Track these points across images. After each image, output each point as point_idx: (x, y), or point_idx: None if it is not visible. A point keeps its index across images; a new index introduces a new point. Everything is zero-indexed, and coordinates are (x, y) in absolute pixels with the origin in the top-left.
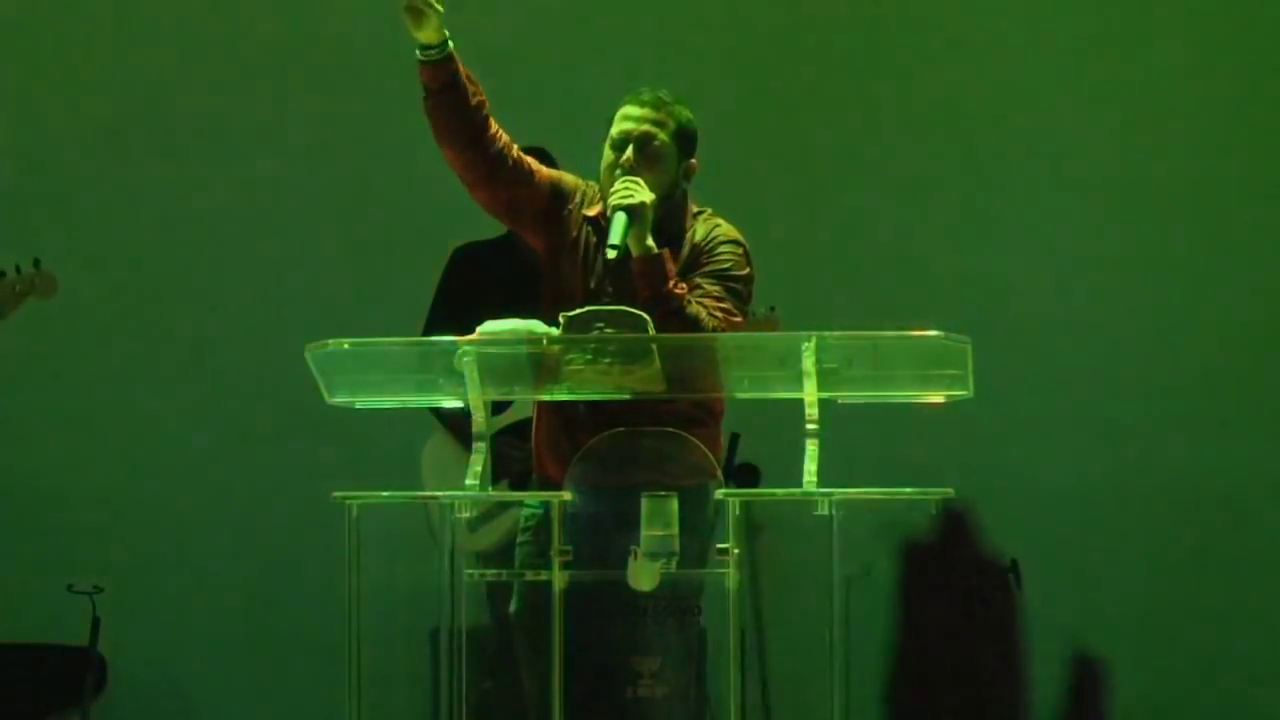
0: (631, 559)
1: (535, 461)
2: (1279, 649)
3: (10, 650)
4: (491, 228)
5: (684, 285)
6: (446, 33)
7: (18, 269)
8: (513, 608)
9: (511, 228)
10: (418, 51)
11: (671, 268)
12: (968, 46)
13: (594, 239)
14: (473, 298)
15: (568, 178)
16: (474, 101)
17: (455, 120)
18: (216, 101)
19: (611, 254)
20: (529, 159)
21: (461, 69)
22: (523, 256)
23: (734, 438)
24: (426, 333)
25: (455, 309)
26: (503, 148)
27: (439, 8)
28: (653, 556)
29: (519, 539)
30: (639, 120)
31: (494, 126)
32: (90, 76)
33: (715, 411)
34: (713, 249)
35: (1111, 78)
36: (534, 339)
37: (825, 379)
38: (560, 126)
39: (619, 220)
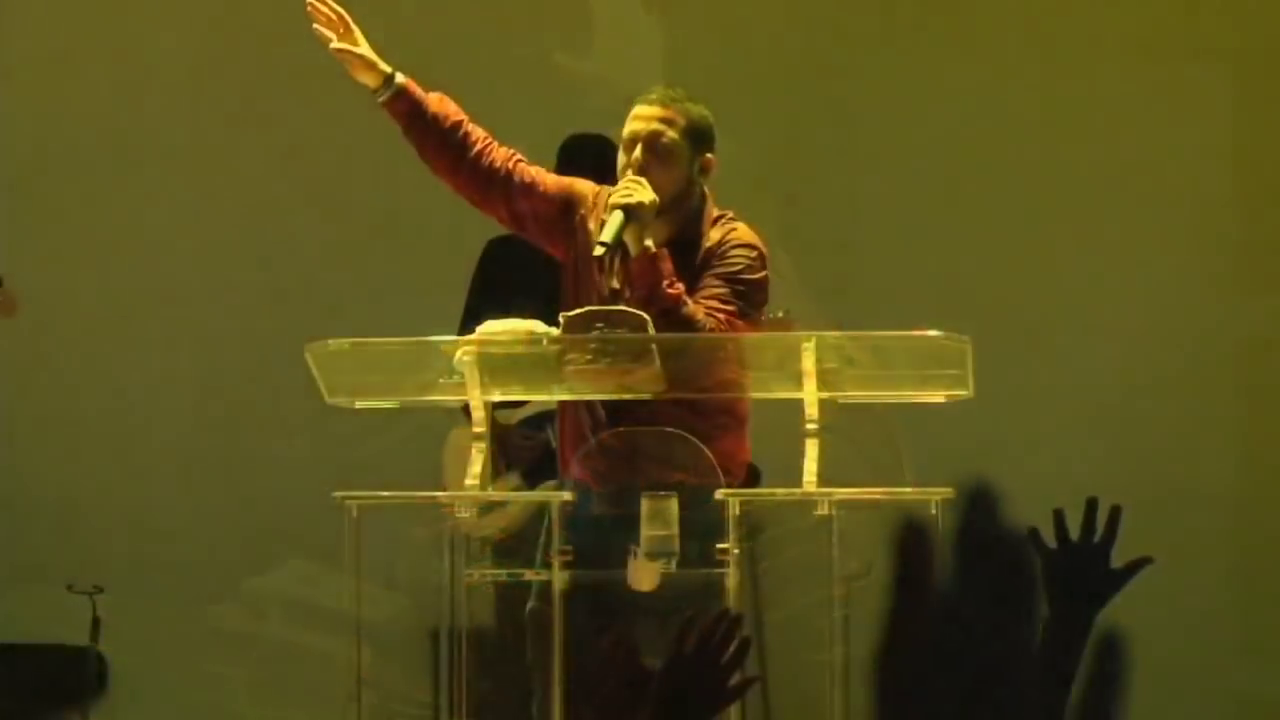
0: (631, 559)
1: (560, 465)
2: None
3: (10, 650)
4: None
5: (679, 285)
6: (388, 68)
7: None
8: (530, 605)
9: (525, 238)
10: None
11: (668, 267)
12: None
13: None
14: (508, 289)
15: (580, 184)
16: (448, 124)
17: (432, 146)
18: (197, 99)
19: (599, 250)
20: (532, 169)
21: (424, 97)
22: None
23: None
24: (463, 327)
25: (491, 300)
26: (493, 163)
27: (360, 52)
28: (652, 557)
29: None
30: (648, 119)
31: (481, 143)
32: (68, 83)
33: (739, 414)
34: (725, 252)
35: (1118, 80)
36: (534, 339)
37: (825, 379)
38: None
39: (615, 218)
